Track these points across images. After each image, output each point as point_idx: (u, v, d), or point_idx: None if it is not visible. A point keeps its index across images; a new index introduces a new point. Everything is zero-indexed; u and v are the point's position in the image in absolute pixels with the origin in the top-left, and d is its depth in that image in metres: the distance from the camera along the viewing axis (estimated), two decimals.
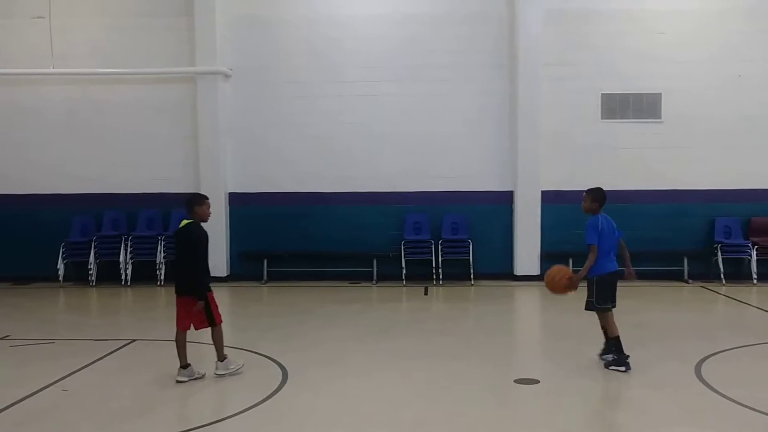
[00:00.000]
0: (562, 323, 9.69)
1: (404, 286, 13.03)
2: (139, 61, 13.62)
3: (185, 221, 7.11)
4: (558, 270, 7.49)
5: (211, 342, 7.24)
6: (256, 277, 13.53)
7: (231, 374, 7.23)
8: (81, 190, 13.73)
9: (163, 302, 11.45)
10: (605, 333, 7.54)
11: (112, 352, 8.24)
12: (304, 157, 13.72)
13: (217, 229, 12.63)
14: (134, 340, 8.80)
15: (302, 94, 13.68)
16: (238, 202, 13.77)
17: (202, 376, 7.17)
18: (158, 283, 13.23)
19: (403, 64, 13.54)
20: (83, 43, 13.70)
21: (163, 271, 13.27)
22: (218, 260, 12.83)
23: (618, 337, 7.37)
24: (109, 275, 13.43)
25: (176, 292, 7.08)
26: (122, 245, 13.31)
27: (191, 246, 6.97)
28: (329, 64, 13.66)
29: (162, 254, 13.30)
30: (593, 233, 7.29)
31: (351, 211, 13.73)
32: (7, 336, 9.07)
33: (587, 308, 7.51)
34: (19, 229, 13.66)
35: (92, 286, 13.21)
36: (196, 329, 7.15)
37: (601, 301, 7.38)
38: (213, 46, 13.38)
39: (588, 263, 7.27)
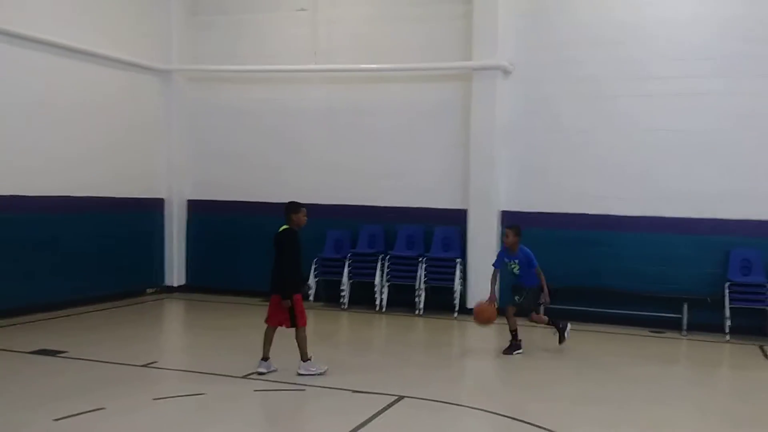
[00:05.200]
0: None
1: (727, 342, 9.97)
2: (406, 55, 11.94)
3: (284, 227, 7.63)
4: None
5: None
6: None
7: (312, 375, 7.32)
8: (337, 201, 12.29)
9: (424, 338, 9.49)
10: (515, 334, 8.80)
11: (377, 415, 6.28)
12: (594, 171, 11.16)
13: (487, 254, 10.49)
14: (402, 397, 6.80)
15: (599, 94, 11.14)
16: (511, 222, 11.48)
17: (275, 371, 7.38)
18: (417, 311, 11.35)
19: (724, 54, 10.53)
20: (347, 37, 12.30)
21: (422, 299, 11.36)
22: None
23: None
24: (363, 297, 11.80)
25: (270, 291, 7.54)
26: (378, 265, 11.61)
27: (285, 249, 7.52)
28: (634, 56, 10.99)
29: (422, 279, 11.39)
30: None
31: (654, 240, 10.90)
32: (251, 374, 7.50)
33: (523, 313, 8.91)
34: (269, 240, 12.44)
35: (344, 309, 11.66)
36: (278, 326, 7.48)
37: (530, 303, 8.95)
38: (493, 37, 11.29)
39: (543, 280, 8.87)
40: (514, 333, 8.87)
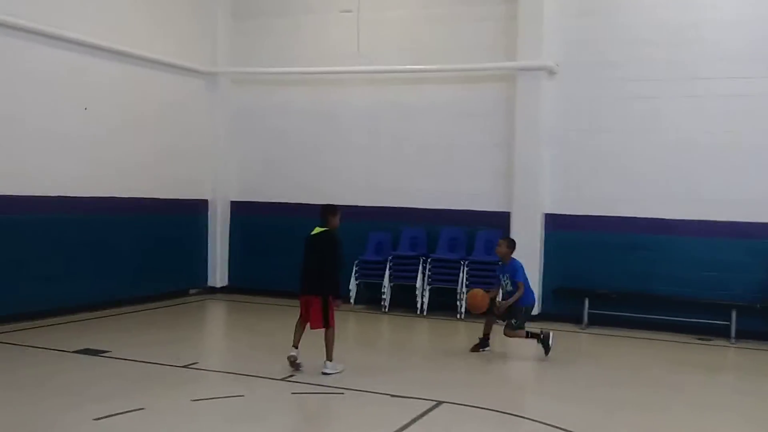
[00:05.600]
0: None
1: None
2: (448, 56, 11.82)
3: (319, 229, 7.71)
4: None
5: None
6: (573, 318, 10.96)
7: (335, 374, 7.41)
8: (378, 203, 12.24)
9: (464, 343, 9.37)
10: (487, 337, 8.88)
11: (415, 420, 6.20)
12: (646, 174, 10.89)
13: (530, 257, 10.35)
14: (441, 402, 6.71)
15: (645, 95, 10.88)
16: (556, 225, 11.30)
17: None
18: (458, 315, 11.23)
19: None
20: (390, 38, 12.24)
21: (463, 303, 11.24)
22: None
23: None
24: (404, 300, 11.73)
25: (300, 291, 7.67)
26: (420, 268, 11.51)
27: (332, 250, 7.63)
28: (681, 57, 10.71)
29: (464, 282, 11.26)
30: (523, 273, 8.69)
31: (703, 244, 10.59)
32: (290, 377, 7.49)
33: (509, 330, 8.62)
34: None
35: (384, 312, 11.61)
36: (312, 328, 7.53)
37: (522, 324, 8.64)
38: (538, 36, 11.11)
39: (517, 296, 8.53)
40: (486, 336, 8.89)
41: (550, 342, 8.59)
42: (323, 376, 7.41)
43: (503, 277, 8.75)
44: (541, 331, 8.67)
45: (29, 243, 9.98)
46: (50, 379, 7.24)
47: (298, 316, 7.78)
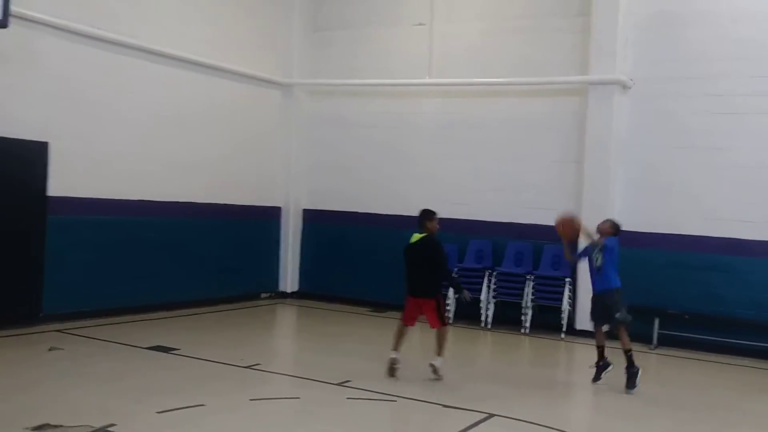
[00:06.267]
0: None
1: None
2: (520, 70, 11.80)
3: (419, 235, 8.01)
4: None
5: None
6: (643, 338, 10.72)
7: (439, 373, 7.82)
8: (446, 215, 12.21)
9: (525, 357, 9.33)
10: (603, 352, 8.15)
11: (465, 430, 6.27)
12: (722, 192, 10.56)
13: None
14: (492, 415, 6.75)
15: (722, 111, 10.57)
16: (627, 242, 11.04)
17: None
18: (522, 330, 11.19)
19: None
20: (462, 51, 12.35)
21: (529, 317, 11.19)
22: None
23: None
24: (469, 313, 11.76)
25: (413, 294, 8.00)
26: (485, 281, 11.54)
27: (439, 254, 8.03)
28: (761, 73, 10.38)
29: (530, 296, 11.22)
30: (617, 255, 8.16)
31: None
32: (347, 381, 7.67)
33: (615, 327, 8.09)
34: (380, 251, 12.72)
35: (449, 323, 11.61)
36: (432, 328, 8.01)
37: (625, 315, 8.11)
38: (612, 51, 10.98)
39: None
40: (602, 352, 8.23)
41: (638, 380, 7.94)
42: (390, 379, 7.74)
43: (594, 251, 8.19)
44: (636, 365, 8.02)
45: (114, 243, 10.57)
46: (122, 372, 7.66)
47: (400, 320, 8.09)
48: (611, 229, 8.38)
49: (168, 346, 8.83)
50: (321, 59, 13.52)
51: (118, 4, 10.48)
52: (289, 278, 13.51)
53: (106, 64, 10.39)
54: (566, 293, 11.07)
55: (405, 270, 8.13)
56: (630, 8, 11.04)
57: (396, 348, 7.96)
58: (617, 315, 8.07)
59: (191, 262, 11.75)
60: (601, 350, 8.22)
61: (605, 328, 8.31)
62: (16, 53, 9.20)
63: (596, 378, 8.19)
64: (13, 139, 9.25)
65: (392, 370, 7.86)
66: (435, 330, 8.02)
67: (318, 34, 13.62)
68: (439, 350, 7.93)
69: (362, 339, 10.33)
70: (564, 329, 10.98)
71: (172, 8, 11.32)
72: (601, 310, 8.20)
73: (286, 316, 12.61)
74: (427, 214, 8.14)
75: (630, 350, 8.06)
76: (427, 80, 12.48)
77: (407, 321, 8.06)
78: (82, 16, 9.96)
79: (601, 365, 8.21)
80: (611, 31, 10.99)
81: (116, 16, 10.47)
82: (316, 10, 13.65)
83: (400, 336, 8.03)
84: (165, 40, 11.10)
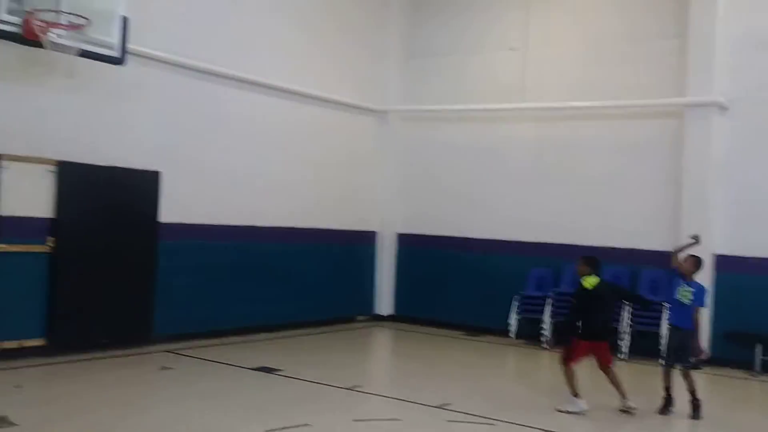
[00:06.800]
0: None
1: None
2: (614, 92, 11.76)
3: (595, 278, 7.93)
4: None
5: None
6: (745, 365, 10.39)
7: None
8: (540, 239, 12.31)
9: (626, 383, 9.16)
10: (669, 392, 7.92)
11: None
12: None
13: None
14: None
15: None
16: (727, 267, 10.81)
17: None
18: (620, 356, 10.97)
19: None
20: (555, 75, 12.39)
21: (626, 343, 11.00)
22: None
23: None
24: (566, 337, 11.64)
25: (593, 339, 7.87)
26: None
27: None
28: None
29: (626, 322, 11.04)
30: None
31: None
32: (447, 404, 7.78)
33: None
34: (474, 275, 12.82)
35: (545, 348, 11.59)
36: (607, 365, 7.94)
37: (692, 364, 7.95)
38: (709, 72, 10.83)
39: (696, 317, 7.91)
40: (668, 391, 8.03)
41: (701, 413, 7.82)
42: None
43: (683, 286, 8.02)
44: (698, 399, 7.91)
45: (220, 267, 11.08)
46: (230, 392, 8.01)
47: (567, 362, 7.90)
48: (693, 267, 8.14)
49: (272, 366, 9.17)
50: (415, 86, 13.81)
51: (222, 38, 11.04)
52: (385, 301, 13.75)
53: (211, 96, 10.96)
54: (664, 319, 10.83)
55: (575, 314, 8.07)
56: (727, 28, 10.84)
57: (578, 391, 7.86)
58: (691, 359, 7.99)
59: (291, 285, 12.15)
60: (668, 389, 8.03)
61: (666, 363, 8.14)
62: (130, 88, 9.81)
63: (663, 412, 7.95)
64: (129, 169, 9.85)
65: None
66: (605, 368, 7.99)
67: (413, 61, 13.92)
68: (622, 388, 7.91)
69: (459, 362, 10.44)
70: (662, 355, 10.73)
71: (270, 41, 11.81)
72: (676, 347, 8.02)
73: (382, 339, 12.82)
74: (598, 260, 8.14)
75: (695, 390, 7.88)
76: (521, 105, 12.55)
77: (575, 362, 7.95)
78: (190, 51, 10.54)
79: (666, 403, 8.01)
80: (708, 52, 10.84)
81: (220, 49, 11.03)
82: (411, 39, 13.97)
83: (574, 378, 7.90)
84: (265, 71, 11.61)
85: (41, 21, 7.93)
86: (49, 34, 7.98)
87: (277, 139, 11.93)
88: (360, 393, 8.31)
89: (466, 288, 12.90)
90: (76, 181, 9.26)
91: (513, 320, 12.01)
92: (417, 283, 13.59)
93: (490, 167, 12.98)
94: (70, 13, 8.06)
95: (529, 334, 12.00)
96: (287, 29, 12.05)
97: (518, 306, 12.07)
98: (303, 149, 12.38)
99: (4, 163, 8.54)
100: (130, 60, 9.29)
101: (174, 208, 10.38)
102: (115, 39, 8.91)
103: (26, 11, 8.01)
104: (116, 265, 9.71)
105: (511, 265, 12.45)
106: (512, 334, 11.98)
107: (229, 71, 11.06)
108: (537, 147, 12.56)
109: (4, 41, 8.17)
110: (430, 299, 13.33)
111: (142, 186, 10.07)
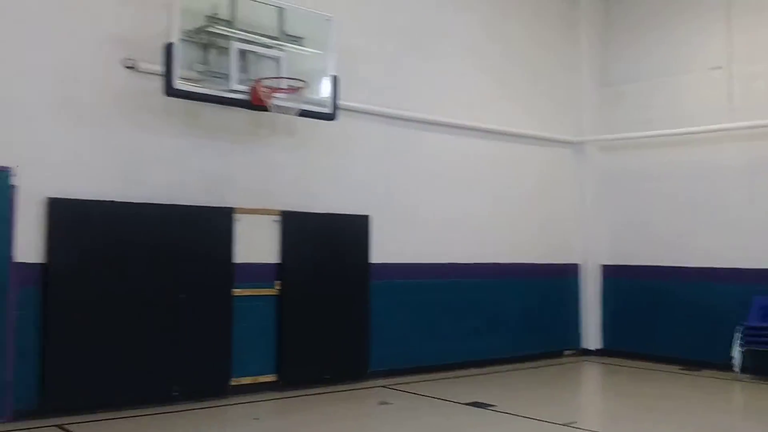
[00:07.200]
0: None
1: None
2: None
3: None
4: None
5: None
6: None
7: None
8: (761, 265, 11.51)
9: None
10: None
11: None
12: None
13: None
14: None
15: None
16: None
17: None
18: None
19: None
20: (765, 92, 11.64)
21: None
22: None
23: None
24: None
25: None
26: None
27: None
28: None
29: None
30: None
31: None
32: None
33: None
34: (689, 305, 12.20)
35: None
36: None
37: None
38: None
39: None
40: None
41: None
42: None
43: None
44: None
45: (428, 304, 11.46)
46: (447, 428, 8.21)
47: None
48: None
49: (484, 402, 9.29)
50: (611, 114, 13.57)
51: (418, 86, 11.52)
52: (591, 335, 13.45)
53: (412, 141, 11.46)
54: None
55: None
56: None
57: None
58: None
59: (496, 320, 12.28)
60: None
61: None
62: (340, 139, 10.55)
63: None
64: (341, 214, 10.55)
65: None
66: None
67: (607, 89, 13.71)
68: None
69: (678, 398, 9.96)
70: None
71: (461, 83, 12.10)
72: None
73: (592, 374, 12.53)
74: None
75: None
76: (728, 124, 11.92)
77: None
78: (391, 100, 11.14)
79: None
80: None
81: (418, 97, 11.52)
82: (605, 66, 13.78)
83: None
84: (458, 112, 11.94)
85: (266, 87, 8.83)
86: (273, 98, 8.87)
87: (474, 177, 12.20)
88: (577, 429, 8.21)
89: (680, 319, 12.32)
90: (297, 228, 10.07)
91: (736, 353, 11.27)
92: (625, 316, 13.17)
93: (696, 192, 12.37)
94: (290, 78, 8.91)
95: (757, 368, 11.20)
96: (477, 69, 12.36)
97: (741, 338, 11.32)
98: (498, 185, 12.54)
99: (237, 215, 9.51)
100: (340, 114, 10.00)
101: (382, 249, 10.92)
102: (327, 97, 9.67)
103: (253, 80, 8.97)
104: (334, 304, 10.37)
105: (730, 293, 11.74)
106: (736, 368, 11.24)
107: (425, 116, 11.52)
108: (749, 167, 11.82)
109: (236, 108, 9.19)
110: (641, 332, 12.85)
111: (353, 230, 10.71)
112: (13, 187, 7.98)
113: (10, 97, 8.07)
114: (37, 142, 8.18)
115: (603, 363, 12.90)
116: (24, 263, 8.04)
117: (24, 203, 8.04)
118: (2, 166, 7.94)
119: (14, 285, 7.95)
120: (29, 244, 8.08)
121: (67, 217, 8.27)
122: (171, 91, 8.37)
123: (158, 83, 8.48)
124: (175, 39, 8.30)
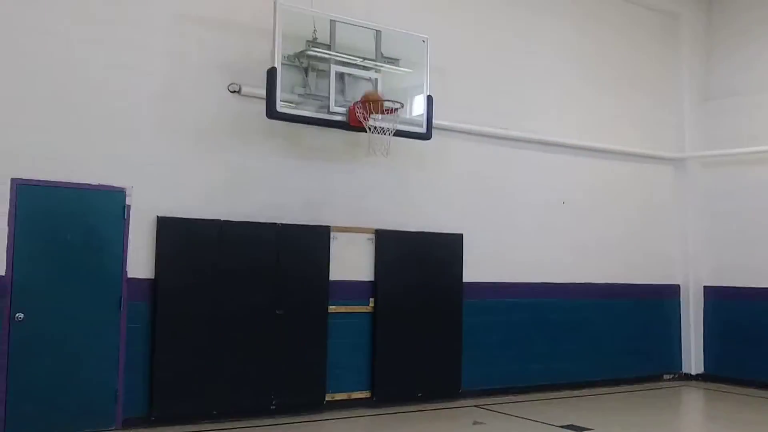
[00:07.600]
0: None
1: None
2: None
3: None
4: None
5: None
6: None
7: None
8: None
9: None
10: None
11: None
12: None
13: None
14: None
15: None
16: None
17: None
18: None
19: None
20: None
21: None
22: None
23: None
24: None
25: None
26: None
27: None
28: None
29: None
30: None
31: None
32: None
33: None
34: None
35: None
36: None
37: None
38: None
39: None
40: None
41: None
42: None
43: None
44: None
45: (521, 324, 11.36)
46: None
47: None
48: None
49: (581, 425, 9.12)
50: (714, 129, 13.12)
51: (510, 104, 11.44)
52: (693, 359, 12.97)
53: (504, 159, 11.39)
54: None
55: None
56: None
57: None
58: None
59: (590, 341, 12.01)
60: None
61: None
62: (434, 158, 10.62)
63: None
64: (434, 233, 10.59)
65: None
66: None
67: (709, 103, 13.28)
68: None
69: None
70: None
71: (556, 99, 12.00)
72: None
73: (694, 399, 12.09)
74: None
75: None
76: None
77: None
78: (483, 119, 11.12)
79: None
80: None
81: (509, 114, 11.45)
82: (706, 80, 13.38)
83: None
84: (553, 129, 11.84)
85: (363, 110, 9.00)
86: (371, 119, 9.03)
87: (572, 195, 12.04)
88: None
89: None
90: (391, 246, 10.17)
91: None
92: (730, 339, 12.64)
93: None
94: (387, 100, 9.06)
95: None
96: (573, 85, 12.21)
97: None
98: (595, 204, 12.31)
99: (334, 233, 9.71)
100: (434, 133, 10.06)
101: (475, 267, 10.89)
102: (421, 115, 9.77)
103: (351, 102, 9.18)
104: (427, 322, 10.40)
105: None
106: None
107: (520, 134, 11.47)
108: None
109: (335, 129, 9.43)
110: (747, 356, 12.30)
111: (447, 248, 10.72)
112: (127, 206, 8.42)
113: (123, 122, 8.54)
114: (148, 163, 8.62)
115: (705, 388, 12.42)
116: (135, 279, 8.47)
117: (136, 222, 8.48)
118: (118, 187, 8.41)
119: (126, 300, 8.38)
120: (140, 261, 8.50)
121: (175, 234, 8.66)
122: (273, 114, 8.65)
123: (261, 106, 8.79)
124: (277, 64, 8.59)
